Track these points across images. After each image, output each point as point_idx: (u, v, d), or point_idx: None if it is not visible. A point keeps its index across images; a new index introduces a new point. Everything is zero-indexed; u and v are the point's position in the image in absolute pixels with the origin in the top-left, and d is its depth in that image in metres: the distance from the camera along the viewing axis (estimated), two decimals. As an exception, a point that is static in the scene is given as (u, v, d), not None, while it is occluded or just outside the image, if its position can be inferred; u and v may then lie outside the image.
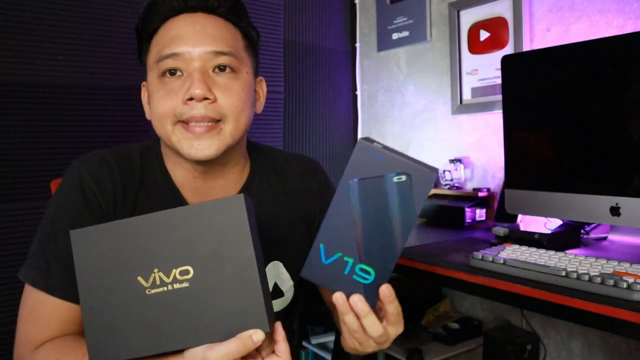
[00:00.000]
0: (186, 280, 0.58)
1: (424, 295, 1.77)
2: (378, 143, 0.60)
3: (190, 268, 0.58)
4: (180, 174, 0.82)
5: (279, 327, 0.60)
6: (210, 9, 0.76)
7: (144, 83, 0.82)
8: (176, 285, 0.58)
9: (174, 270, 0.58)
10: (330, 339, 1.90)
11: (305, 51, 2.14)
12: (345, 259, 0.61)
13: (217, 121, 0.74)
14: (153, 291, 0.58)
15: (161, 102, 0.74)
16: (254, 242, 0.58)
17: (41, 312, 0.73)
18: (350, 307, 0.62)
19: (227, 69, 0.75)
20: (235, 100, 0.75)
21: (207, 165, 0.80)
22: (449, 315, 1.74)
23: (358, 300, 0.61)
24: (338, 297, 0.61)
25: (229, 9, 0.78)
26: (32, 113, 1.50)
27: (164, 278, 0.58)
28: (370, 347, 0.66)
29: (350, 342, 0.67)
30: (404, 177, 0.58)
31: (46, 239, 0.75)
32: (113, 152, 0.81)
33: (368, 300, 0.61)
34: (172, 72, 0.74)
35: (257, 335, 0.56)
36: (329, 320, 0.94)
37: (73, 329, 0.74)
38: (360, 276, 0.61)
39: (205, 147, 0.73)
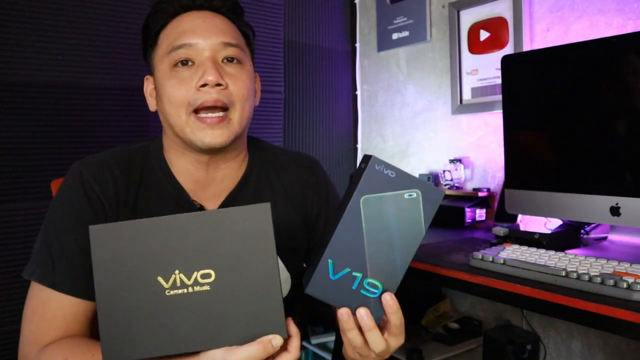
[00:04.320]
0: (207, 284, 0.58)
1: (424, 295, 1.77)
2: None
3: (212, 272, 0.58)
4: (181, 166, 0.85)
5: (290, 322, 0.61)
6: (215, 8, 0.83)
7: (147, 77, 0.87)
8: (197, 288, 0.58)
9: (196, 273, 0.58)
10: (330, 339, 1.90)
11: (305, 51, 2.14)
12: (354, 274, 0.61)
13: (226, 110, 0.79)
14: (173, 292, 0.58)
15: (175, 90, 0.78)
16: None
17: (46, 309, 0.74)
18: (354, 323, 0.62)
19: (235, 60, 0.80)
20: (242, 88, 0.80)
21: (212, 154, 0.83)
22: (449, 315, 1.74)
23: (365, 313, 0.62)
24: (343, 314, 0.62)
25: (230, 9, 0.84)
26: (32, 113, 1.50)
27: (185, 280, 0.58)
28: (370, 359, 0.67)
29: (351, 353, 0.68)
30: (414, 194, 0.60)
31: (50, 238, 0.77)
32: (112, 153, 0.84)
33: (374, 314, 0.62)
34: (184, 62, 0.78)
35: (276, 341, 0.58)
36: (329, 320, 0.94)
37: (78, 328, 0.75)
38: (368, 290, 0.62)
39: (217, 135, 0.78)
